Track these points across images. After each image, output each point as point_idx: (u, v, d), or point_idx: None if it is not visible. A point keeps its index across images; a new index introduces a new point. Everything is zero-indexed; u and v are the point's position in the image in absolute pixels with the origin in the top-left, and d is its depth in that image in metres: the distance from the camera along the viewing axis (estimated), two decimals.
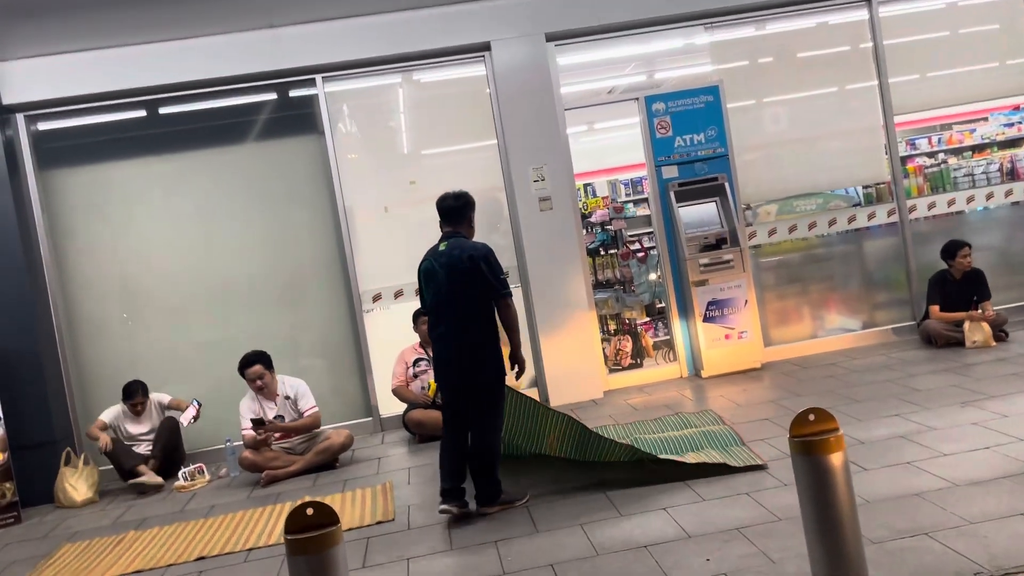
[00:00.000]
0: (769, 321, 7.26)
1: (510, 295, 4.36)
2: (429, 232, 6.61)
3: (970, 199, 7.48)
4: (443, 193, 4.56)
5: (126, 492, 6.08)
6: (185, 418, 6.23)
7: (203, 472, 6.09)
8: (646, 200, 9.16)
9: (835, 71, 7.37)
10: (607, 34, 7.01)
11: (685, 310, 7.01)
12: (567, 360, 6.77)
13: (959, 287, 6.73)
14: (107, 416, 6.27)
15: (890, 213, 7.33)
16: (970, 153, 8.50)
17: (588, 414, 6.32)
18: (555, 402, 6.74)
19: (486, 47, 6.79)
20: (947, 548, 3.25)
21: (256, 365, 5.92)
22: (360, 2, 6.58)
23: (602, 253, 7.58)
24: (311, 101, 6.86)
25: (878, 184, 7.42)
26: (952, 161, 7.83)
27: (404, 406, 6.41)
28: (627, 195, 9.29)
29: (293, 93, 6.91)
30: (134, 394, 6.24)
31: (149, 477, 5.99)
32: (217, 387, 6.75)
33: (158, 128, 6.85)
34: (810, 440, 2.65)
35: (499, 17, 6.74)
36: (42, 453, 6.09)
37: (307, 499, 5.18)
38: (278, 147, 6.96)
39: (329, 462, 5.88)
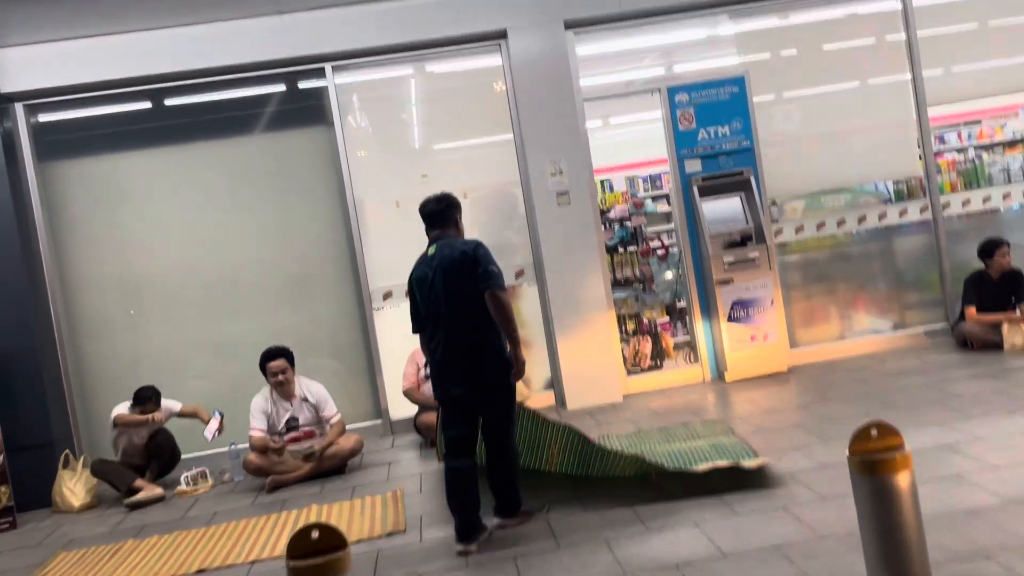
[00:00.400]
0: (795, 322, 6.97)
1: (500, 286, 3.92)
2: None
3: (1006, 195, 7.16)
4: (424, 198, 4.23)
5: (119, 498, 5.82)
6: (209, 432, 5.87)
7: (206, 476, 5.85)
8: (665, 196, 8.89)
9: (865, 62, 7.07)
10: (628, 21, 6.73)
11: (708, 310, 6.72)
12: (585, 362, 6.49)
13: (997, 287, 6.42)
14: (119, 411, 5.81)
15: (923, 210, 7.02)
16: (1001, 148, 8.20)
17: (607, 418, 6.05)
18: (572, 406, 6.47)
19: (502, 35, 6.52)
20: (1009, 571, 2.97)
21: (280, 359, 5.69)
22: None
23: (621, 250, 7.30)
24: (321, 91, 6.60)
25: (909, 180, 7.11)
26: (986, 156, 7.51)
27: (415, 409, 6.16)
28: (646, 191, 9.00)
29: (302, 83, 6.65)
30: (145, 402, 5.79)
31: (148, 491, 5.65)
32: (222, 387, 6.54)
33: (162, 118, 6.61)
34: (873, 458, 2.38)
35: (516, 3, 6.46)
36: (39, 455, 5.86)
37: (314, 507, 4.97)
38: (286, 139, 6.71)
39: (337, 467, 5.62)
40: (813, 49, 7.08)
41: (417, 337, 4.27)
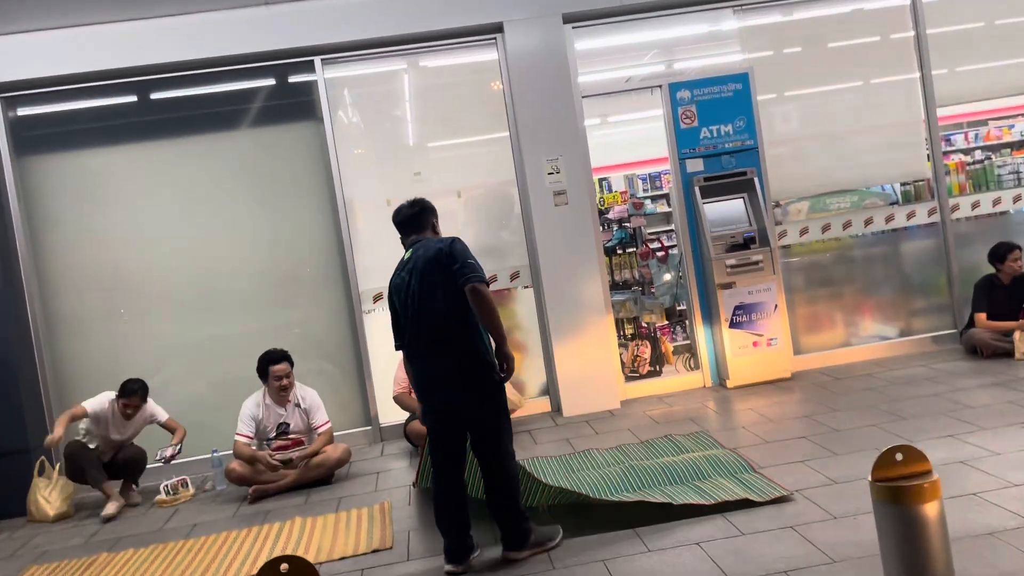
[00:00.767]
0: (799, 327, 6.76)
1: (479, 279, 3.58)
2: None
3: (1016, 198, 6.94)
4: (396, 207, 3.98)
5: (102, 506, 5.58)
6: (164, 453, 5.60)
7: (187, 485, 5.62)
8: (665, 196, 8.70)
9: (873, 61, 6.84)
10: (628, 16, 6.51)
11: (709, 315, 6.51)
12: (582, 367, 6.27)
13: (1008, 293, 6.22)
14: (92, 405, 5.52)
15: (931, 212, 6.81)
16: (1008, 150, 8.00)
17: (604, 427, 5.83)
18: (569, 412, 6.25)
19: (498, 28, 6.29)
20: None
21: (284, 363, 5.48)
22: None
23: (620, 252, 7.09)
24: (310, 86, 6.37)
25: (917, 181, 6.91)
26: (995, 158, 7.31)
27: (406, 415, 5.94)
28: (644, 190, 8.81)
29: (290, 77, 6.42)
30: (131, 394, 5.52)
31: (114, 507, 5.36)
32: (205, 391, 6.31)
33: (145, 112, 6.38)
34: (899, 486, 2.16)
35: None
36: (14, 462, 5.64)
37: (297, 520, 4.75)
38: (273, 135, 6.48)
39: (324, 477, 5.40)
40: (819, 46, 6.87)
41: None
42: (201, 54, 6.10)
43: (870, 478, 2.22)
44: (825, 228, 6.76)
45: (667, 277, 7.16)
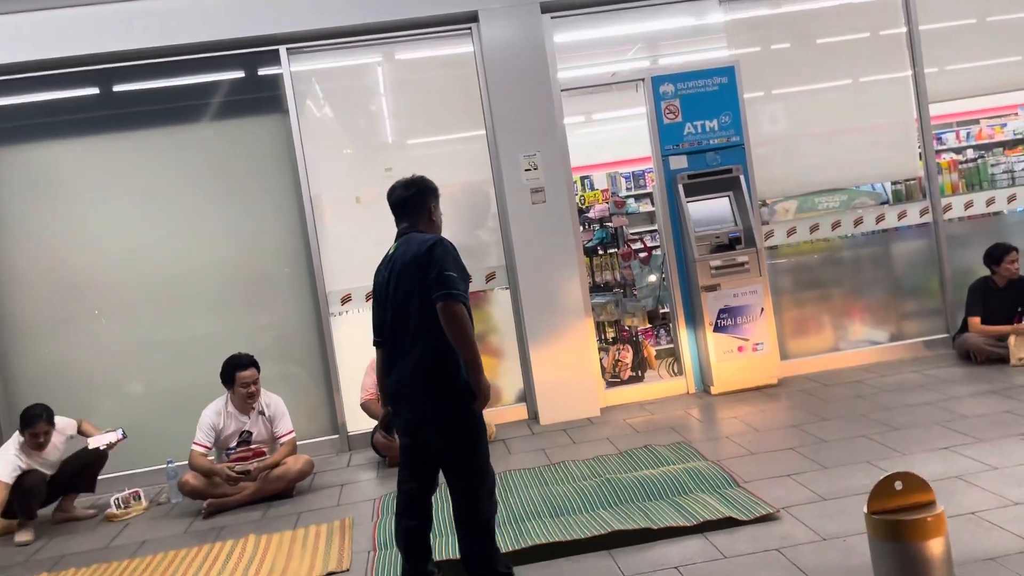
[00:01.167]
0: (786, 331, 6.50)
1: (455, 296, 3.06)
2: None
3: (1011, 198, 6.70)
4: (392, 183, 3.46)
5: (46, 522, 5.24)
6: (101, 440, 5.20)
7: (139, 498, 5.30)
8: (648, 196, 8.45)
9: (863, 56, 6.59)
10: (610, 6, 6.24)
11: (693, 318, 6.24)
12: (560, 373, 5.99)
13: (1003, 297, 5.98)
14: (4, 468, 4.86)
15: (923, 212, 6.56)
16: (1001, 149, 7.79)
17: (583, 435, 5.56)
18: (546, 420, 5.97)
19: (473, 17, 6.00)
20: None
21: (251, 368, 5.14)
22: None
23: (601, 252, 6.82)
24: (275, 77, 6.06)
25: (908, 181, 6.66)
26: (989, 157, 7.08)
27: (375, 423, 5.64)
28: (628, 189, 8.55)
29: (255, 67, 6.11)
30: (34, 421, 4.93)
31: (29, 535, 4.93)
32: (162, 398, 5.98)
33: (101, 103, 6.07)
34: (899, 520, 1.88)
35: None
36: None
37: (251, 538, 4.43)
38: (238, 128, 6.17)
39: (284, 490, 5.09)
40: (808, 41, 6.61)
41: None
42: (159, 42, 5.78)
43: (866, 510, 1.94)
44: (813, 228, 6.50)
45: (652, 278, 6.90)
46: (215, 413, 5.19)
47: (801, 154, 6.55)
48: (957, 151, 7.97)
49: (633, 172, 8.56)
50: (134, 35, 5.75)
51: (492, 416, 5.93)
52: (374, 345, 3.46)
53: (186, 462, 5.13)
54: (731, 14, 6.48)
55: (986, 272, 6.08)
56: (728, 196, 6.25)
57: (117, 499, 5.20)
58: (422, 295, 3.14)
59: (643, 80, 6.27)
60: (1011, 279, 5.95)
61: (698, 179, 6.15)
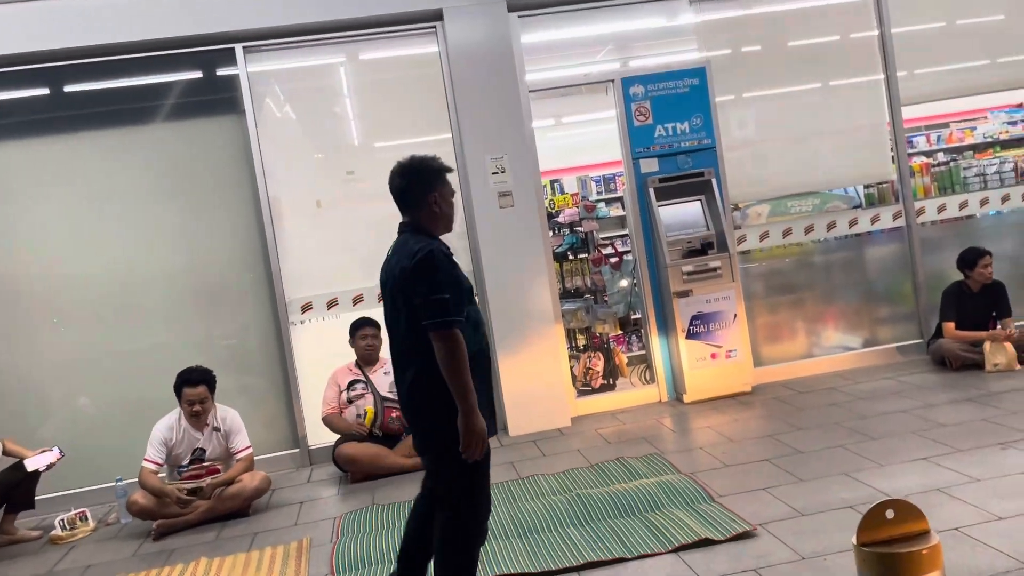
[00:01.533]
0: (759, 338, 6.37)
1: (444, 325, 2.70)
2: (369, 232, 5.63)
3: (984, 201, 6.65)
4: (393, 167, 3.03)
5: None
6: (39, 462, 4.90)
7: (86, 519, 5.02)
8: (619, 200, 8.32)
9: (835, 59, 6.49)
10: (579, 5, 6.08)
11: (665, 325, 6.09)
12: (529, 382, 5.80)
13: (977, 301, 5.90)
14: None
15: (896, 216, 6.48)
16: (971, 152, 7.77)
17: (553, 447, 5.38)
18: (516, 432, 5.79)
19: (437, 16, 5.81)
20: None
21: (201, 386, 4.85)
22: None
23: (571, 258, 6.64)
24: (232, 77, 5.82)
25: (881, 184, 6.58)
26: (961, 160, 7.03)
27: (336, 436, 5.42)
28: (599, 193, 8.41)
29: (210, 66, 5.87)
30: None
31: None
32: (111, 412, 5.70)
33: (48, 103, 5.78)
34: (891, 553, 1.72)
35: None
36: None
37: (203, 561, 4.19)
38: (191, 129, 5.90)
39: (240, 509, 4.84)
40: (780, 43, 6.50)
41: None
42: (110, 39, 5.51)
43: (855, 541, 1.78)
44: (786, 232, 6.39)
45: (623, 283, 6.75)
46: (167, 428, 4.93)
47: (773, 157, 6.44)
48: (928, 155, 7.93)
49: (604, 176, 8.43)
50: (83, 32, 5.47)
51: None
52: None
53: (136, 480, 4.87)
54: (702, 15, 6.36)
55: (960, 276, 6.00)
56: (700, 200, 6.12)
57: (63, 520, 4.93)
58: (409, 318, 2.81)
59: (612, 81, 6.12)
60: (985, 284, 5.88)
61: (669, 183, 6.00)
